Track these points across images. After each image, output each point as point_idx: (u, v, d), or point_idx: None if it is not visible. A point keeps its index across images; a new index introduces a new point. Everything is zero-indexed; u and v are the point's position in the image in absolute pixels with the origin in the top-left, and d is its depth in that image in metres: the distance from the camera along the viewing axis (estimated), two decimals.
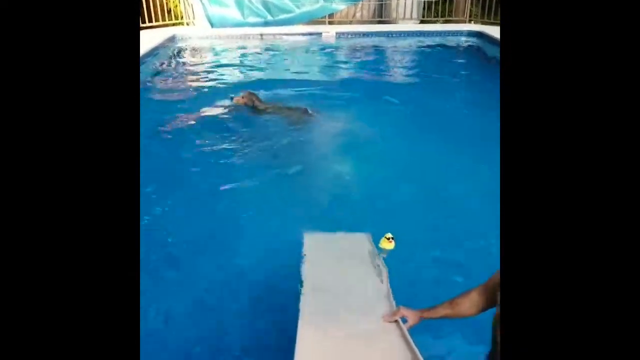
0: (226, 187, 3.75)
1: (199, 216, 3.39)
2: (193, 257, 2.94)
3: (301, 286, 1.91)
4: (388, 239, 2.27)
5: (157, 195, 3.49)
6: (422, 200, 3.48)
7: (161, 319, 2.42)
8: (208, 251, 3.01)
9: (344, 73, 7.36)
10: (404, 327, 1.60)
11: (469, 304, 1.76)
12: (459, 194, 3.51)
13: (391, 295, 1.83)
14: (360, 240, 2.32)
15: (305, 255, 2.18)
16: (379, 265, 2.06)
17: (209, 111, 5.45)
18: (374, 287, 1.91)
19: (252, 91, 5.46)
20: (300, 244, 2.28)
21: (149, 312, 2.37)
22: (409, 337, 1.53)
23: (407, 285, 2.48)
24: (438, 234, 3.07)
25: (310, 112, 5.13)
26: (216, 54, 8.43)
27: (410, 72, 7.53)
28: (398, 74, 7.49)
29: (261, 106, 5.29)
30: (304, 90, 6.13)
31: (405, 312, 1.71)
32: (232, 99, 5.38)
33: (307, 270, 2.04)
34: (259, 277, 2.74)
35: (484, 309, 1.76)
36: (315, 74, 7.20)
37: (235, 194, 3.66)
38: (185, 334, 2.36)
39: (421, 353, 1.46)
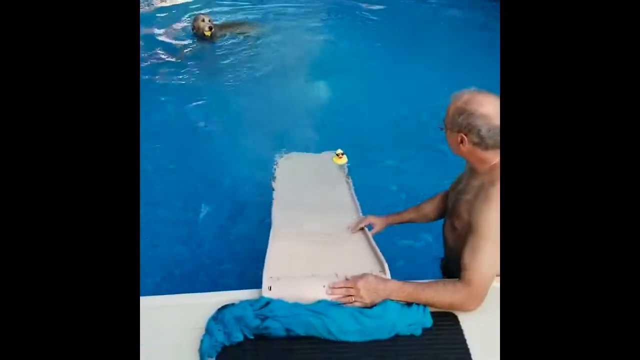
0: (198, 115, 3.69)
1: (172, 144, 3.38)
2: (169, 178, 3.00)
3: (272, 203, 1.98)
4: (338, 154, 2.34)
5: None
6: (396, 116, 3.50)
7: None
8: (183, 173, 3.05)
9: None
10: (369, 234, 1.70)
11: (431, 208, 1.85)
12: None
13: (358, 207, 1.91)
14: (330, 158, 2.38)
15: (276, 174, 2.24)
16: (347, 180, 2.13)
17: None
18: (342, 199, 1.99)
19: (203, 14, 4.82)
20: (271, 164, 2.35)
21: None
22: (373, 241, 1.63)
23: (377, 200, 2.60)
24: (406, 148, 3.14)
25: (262, 26, 4.87)
26: None
27: None
28: None
29: (213, 31, 4.73)
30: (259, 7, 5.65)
31: (371, 219, 1.78)
32: (197, 29, 4.68)
33: (278, 188, 2.11)
34: (231, 196, 2.83)
35: (442, 215, 1.82)
36: None
37: (206, 119, 3.63)
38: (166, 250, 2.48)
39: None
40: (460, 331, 1.30)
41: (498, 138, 1.34)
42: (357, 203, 1.94)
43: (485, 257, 1.30)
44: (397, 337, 1.28)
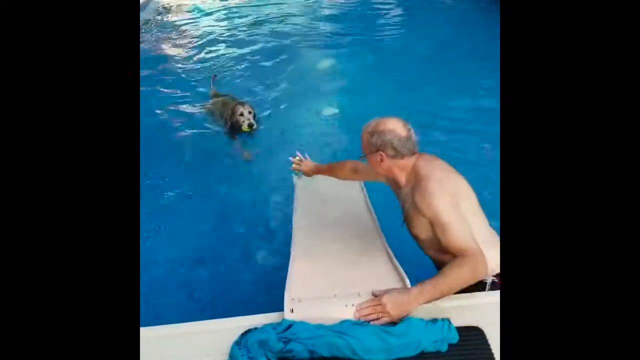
0: None
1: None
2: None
3: (292, 224, 1.99)
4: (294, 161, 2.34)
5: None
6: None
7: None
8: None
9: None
10: (390, 252, 1.68)
11: (342, 176, 2.11)
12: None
13: (378, 225, 1.90)
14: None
15: (296, 195, 2.26)
16: (364, 197, 2.13)
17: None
18: (362, 218, 1.98)
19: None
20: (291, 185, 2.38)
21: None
22: (394, 258, 1.61)
23: None
24: None
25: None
26: None
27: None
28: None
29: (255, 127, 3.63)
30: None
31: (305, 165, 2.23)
32: (250, 126, 3.56)
33: (298, 209, 2.12)
34: (256, 215, 2.92)
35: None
36: None
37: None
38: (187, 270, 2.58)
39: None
40: (487, 345, 1.28)
41: (409, 145, 1.56)
42: (376, 219, 1.93)
43: (456, 229, 1.42)
44: (423, 355, 1.26)
